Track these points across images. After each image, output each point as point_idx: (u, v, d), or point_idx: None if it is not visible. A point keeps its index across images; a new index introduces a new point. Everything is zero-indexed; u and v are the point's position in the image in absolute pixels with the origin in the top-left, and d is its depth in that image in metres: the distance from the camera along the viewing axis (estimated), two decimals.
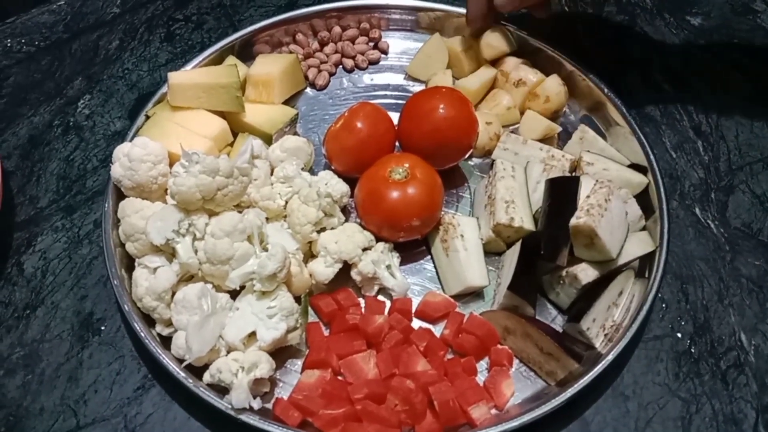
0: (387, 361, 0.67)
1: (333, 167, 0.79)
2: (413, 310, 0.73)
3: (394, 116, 0.80)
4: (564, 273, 0.70)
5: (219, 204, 0.69)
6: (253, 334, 0.66)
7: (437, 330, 0.71)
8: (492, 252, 0.76)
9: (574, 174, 0.77)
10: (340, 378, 0.68)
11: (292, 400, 0.65)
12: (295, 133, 0.84)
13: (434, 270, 0.76)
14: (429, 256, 0.76)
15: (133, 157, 0.71)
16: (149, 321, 0.69)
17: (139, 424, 0.67)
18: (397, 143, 0.80)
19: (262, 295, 0.67)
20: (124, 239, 0.71)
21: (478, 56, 0.87)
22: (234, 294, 0.69)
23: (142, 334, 0.67)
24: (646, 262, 0.72)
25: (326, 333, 0.71)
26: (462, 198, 0.81)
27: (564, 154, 0.78)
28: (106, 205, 0.74)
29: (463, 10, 0.88)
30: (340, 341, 0.69)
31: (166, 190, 0.73)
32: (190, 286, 0.67)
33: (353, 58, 0.91)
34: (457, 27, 0.89)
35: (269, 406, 0.66)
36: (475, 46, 0.86)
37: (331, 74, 0.91)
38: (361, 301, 0.73)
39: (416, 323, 0.72)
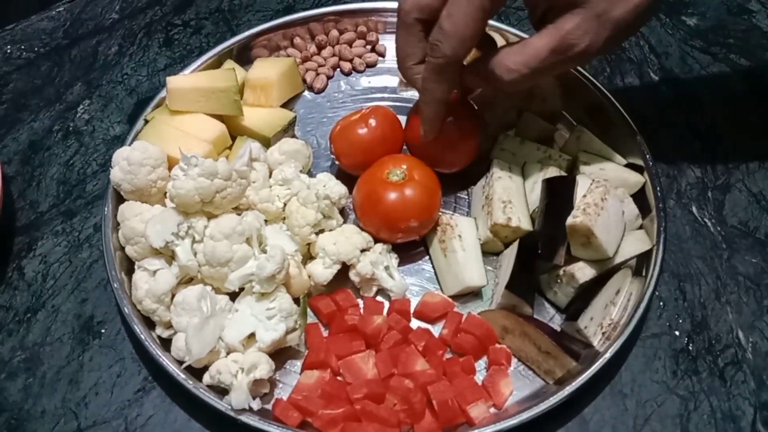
0: (386, 361, 0.68)
1: (338, 162, 0.79)
2: (412, 311, 0.73)
3: None
4: (561, 272, 0.71)
5: (218, 207, 0.69)
6: (252, 336, 0.66)
7: (436, 330, 0.72)
8: (490, 252, 0.76)
9: (571, 174, 0.78)
10: (339, 378, 0.68)
11: (292, 401, 0.65)
12: (294, 136, 0.84)
13: (432, 270, 0.76)
14: (427, 257, 0.77)
15: (132, 161, 0.72)
16: (149, 323, 0.69)
17: (140, 425, 0.67)
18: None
19: (261, 296, 0.67)
20: (124, 242, 0.72)
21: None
22: (233, 296, 0.70)
23: (142, 337, 0.67)
24: (643, 260, 0.72)
25: (325, 334, 0.72)
26: (459, 199, 0.81)
27: (561, 154, 0.79)
28: (106, 208, 0.74)
29: None
30: (339, 342, 0.69)
31: (166, 193, 0.73)
32: (189, 289, 0.67)
33: (351, 61, 0.92)
34: None
35: (269, 406, 0.66)
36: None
37: (329, 77, 0.91)
38: (360, 301, 0.73)
39: (415, 323, 0.72)
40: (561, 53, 0.63)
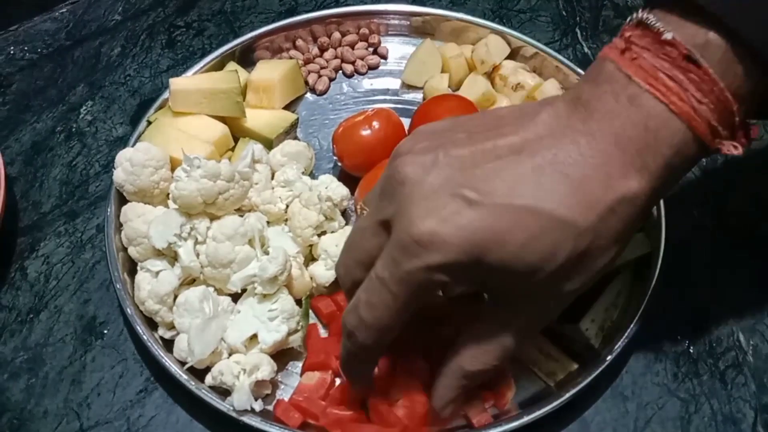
0: (386, 361, 0.68)
1: (340, 163, 0.79)
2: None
3: None
4: None
5: (220, 208, 0.69)
6: (254, 337, 0.67)
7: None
8: None
9: None
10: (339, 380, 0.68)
11: (293, 402, 0.65)
12: (296, 138, 0.85)
13: None
14: None
15: (135, 162, 0.72)
16: (152, 324, 0.70)
17: (142, 426, 0.67)
18: None
19: (263, 297, 0.68)
20: (127, 243, 0.72)
21: (470, 62, 0.88)
22: (235, 297, 0.70)
23: (145, 338, 0.67)
24: (644, 263, 0.72)
25: (325, 335, 0.72)
26: None
27: None
28: (109, 209, 0.74)
29: (460, 15, 0.90)
30: (339, 343, 0.69)
31: (168, 194, 0.73)
32: (191, 290, 0.67)
33: (353, 63, 0.92)
34: (451, 31, 0.90)
35: (270, 407, 0.66)
36: (466, 52, 0.87)
37: (331, 79, 0.91)
38: None
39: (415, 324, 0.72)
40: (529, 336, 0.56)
